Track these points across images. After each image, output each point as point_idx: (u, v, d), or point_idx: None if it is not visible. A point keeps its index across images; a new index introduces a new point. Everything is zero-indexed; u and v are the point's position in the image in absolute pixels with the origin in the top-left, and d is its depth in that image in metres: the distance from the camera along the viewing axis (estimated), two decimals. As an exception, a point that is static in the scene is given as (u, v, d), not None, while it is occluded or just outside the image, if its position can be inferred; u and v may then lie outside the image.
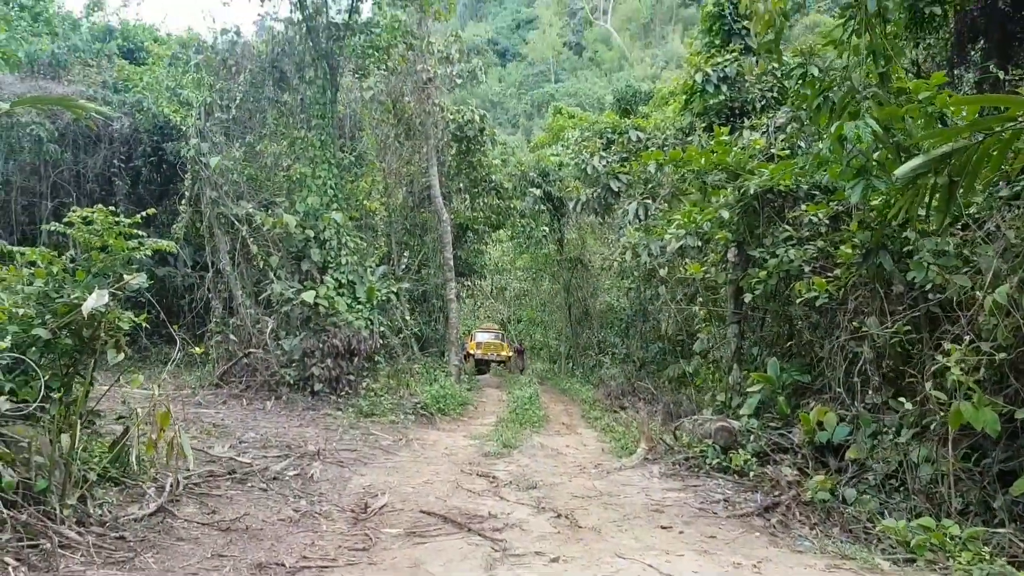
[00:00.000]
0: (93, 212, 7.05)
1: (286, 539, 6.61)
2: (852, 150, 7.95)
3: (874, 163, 7.89)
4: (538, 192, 27.14)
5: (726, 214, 10.57)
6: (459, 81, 21.91)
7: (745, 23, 16.38)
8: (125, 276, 7.08)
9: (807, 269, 9.85)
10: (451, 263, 23.96)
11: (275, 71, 18.67)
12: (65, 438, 6.01)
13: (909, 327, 8.03)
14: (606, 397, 23.62)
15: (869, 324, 8.44)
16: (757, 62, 16.10)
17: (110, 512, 6.37)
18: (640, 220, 16.13)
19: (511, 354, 36.19)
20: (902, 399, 7.86)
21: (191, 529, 6.54)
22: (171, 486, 7.12)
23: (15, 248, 7.06)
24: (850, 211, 10.10)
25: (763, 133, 12.37)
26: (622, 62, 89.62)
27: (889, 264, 8.35)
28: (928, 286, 7.94)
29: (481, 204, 27.40)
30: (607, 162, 17.63)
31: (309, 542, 6.58)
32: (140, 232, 7.37)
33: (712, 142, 11.62)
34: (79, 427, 5.96)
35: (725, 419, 9.97)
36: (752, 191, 10.28)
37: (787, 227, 10.46)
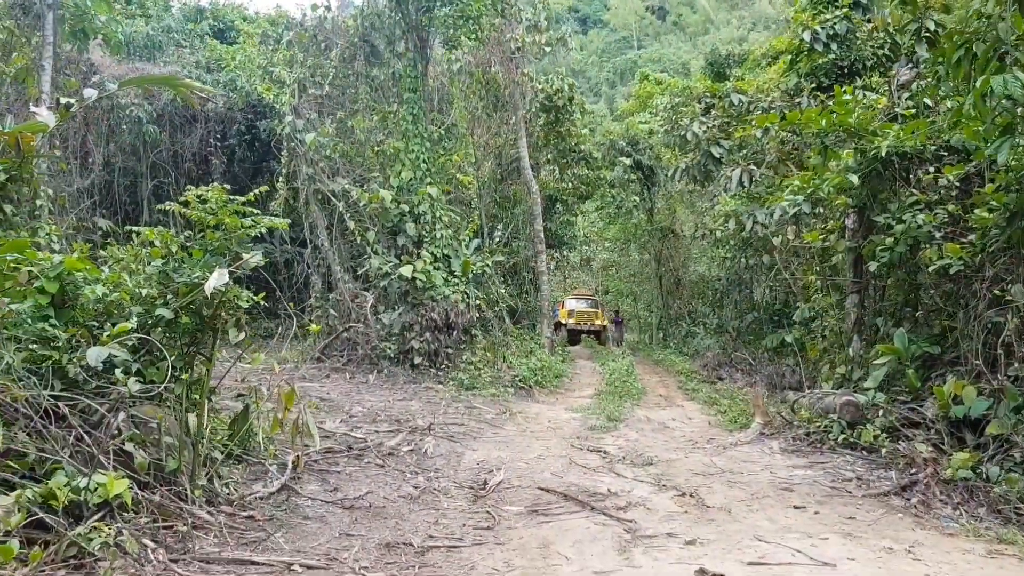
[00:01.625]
0: (208, 191, 7.03)
1: (409, 517, 6.52)
2: (998, 107, 7.22)
3: (1021, 120, 7.15)
4: (628, 161, 26.46)
5: (855, 178, 9.83)
6: (548, 49, 21.38)
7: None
8: (242, 254, 7.05)
9: (938, 235, 9.09)
10: (541, 235, 23.68)
11: (366, 46, 18.64)
12: (192, 418, 6.04)
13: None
14: (702, 368, 23.06)
15: (1014, 293, 7.71)
16: (869, 19, 15.01)
17: (236, 491, 6.40)
18: (744, 187, 15.37)
19: (606, 323, 33.64)
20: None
21: (316, 507, 6.53)
22: (292, 463, 7.13)
23: (133, 228, 7.12)
24: (982, 173, 9.30)
25: (882, 92, 11.43)
26: (707, 25, 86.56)
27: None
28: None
29: (569, 175, 26.90)
30: (707, 127, 16.85)
31: (433, 520, 6.47)
32: (254, 210, 7.33)
33: (830, 103, 10.84)
34: (206, 407, 5.97)
35: (850, 393, 9.38)
36: (883, 153, 9.48)
37: (913, 191, 9.67)
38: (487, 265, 18.11)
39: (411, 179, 17.38)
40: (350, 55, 18.90)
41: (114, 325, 5.84)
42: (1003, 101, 6.85)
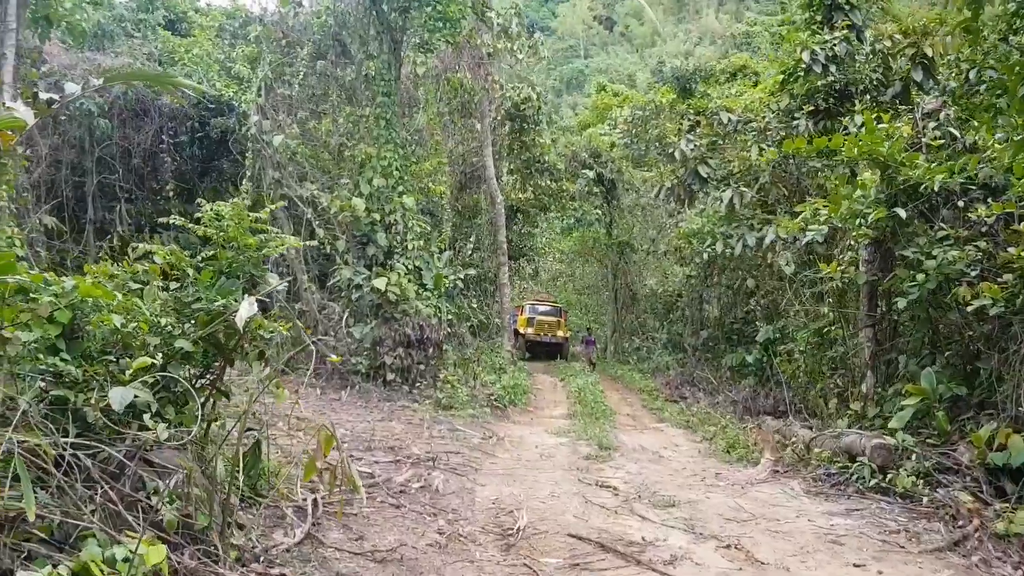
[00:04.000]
0: (224, 206, 6.32)
1: (445, 572, 5.96)
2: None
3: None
4: (591, 174, 26.24)
5: (902, 212, 9.63)
6: (520, 56, 20.95)
7: (852, -2, 15.31)
8: (258, 277, 6.36)
9: (973, 273, 8.99)
10: (504, 246, 23.25)
11: (336, 45, 17.83)
12: (220, 465, 5.34)
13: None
14: (664, 386, 22.95)
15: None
16: (861, 41, 15.05)
17: (258, 542, 5.72)
18: (735, 208, 15.21)
19: (569, 335, 30.93)
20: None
21: (346, 561, 5.90)
22: (312, 508, 6.47)
23: (142, 245, 6.32)
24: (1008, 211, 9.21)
25: (904, 120, 11.31)
26: (654, 37, 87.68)
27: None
28: None
29: (532, 185, 26.51)
30: (695, 146, 16.67)
31: (473, 576, 5.93)
32: (270, 227, 6.64)
33: (836, 127, 10.74)
34: (239, 450, 5.29)
35: (880, 435, 9.18)
36: (936, 187, 9.28)
37: (942, 226, 9.58)
38: (459, 279, 17.54)
39: (382, 186, 16.67)
40: (322, 54, 18.05)
41: (129, 359, 5.12)
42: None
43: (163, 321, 5.44)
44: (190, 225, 6.51)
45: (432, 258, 17.10)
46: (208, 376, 6.16)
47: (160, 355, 5.28)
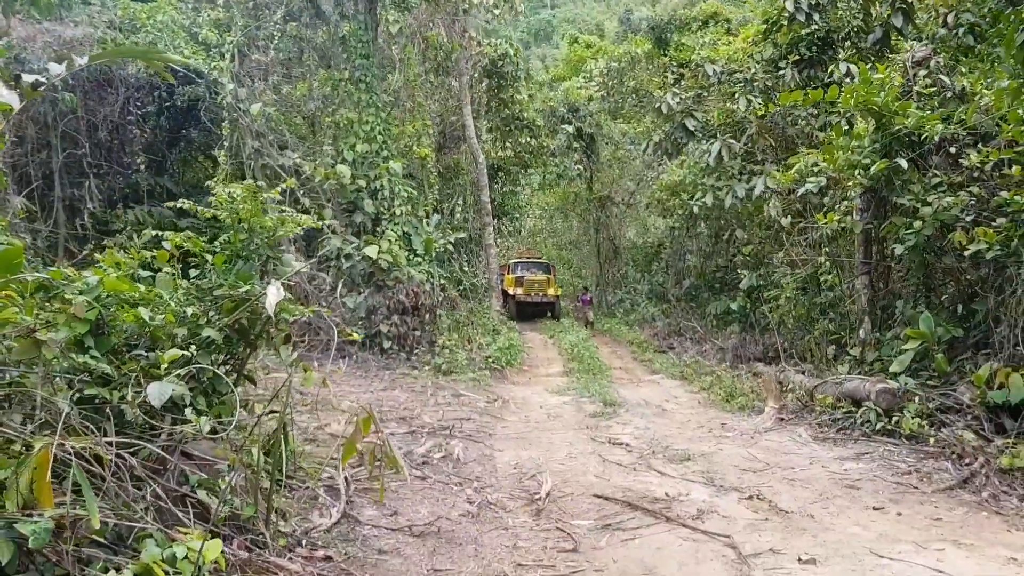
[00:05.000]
0: (236, 187, 6.15)
1: (484, 541, 6.01)
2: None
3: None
4: (570, 129, 26.04)
5: (904, 163, 9.69)
6: (496, 12, 20.53)
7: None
8: (275, 259, 6.25)
9: (968, 218, 9.13)
10: (488, 206, 23.09)
11: (310, 6, 17.31)
12: (257, 453, 5.30)
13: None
14: (652, 338, 23.17)
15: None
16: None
17: (299, 525, 5.73)
18: (723, 160, 15.20)
19: (559, 293, 29.64)
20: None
21: (384, 537, 5.92)
22: (344, 487, 6.47)
23: (155, 232, 6.14)
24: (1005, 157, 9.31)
25: (893, 68, 11.33)
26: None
27: (1083, 211, 7.67)
28: None
29: (512, 143, 26.23)
30: (681, 99, 16.56)
31: (510, 544, 5.99)
32: (284, 207, 6.50)
33: (844, 76, 10.70)
34: (279, 436, 5.24)
35: (883, 379, 9.38)
36: (936, 137, 9.35)
37: (935, 172, 9.68)
38: (449, 242, 17.41)
39: (367, 152, 16.40)
40: (292, 16, 17.53)
41: (159, 351, 5.02)
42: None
43: (189, 311, 5.33)
44: (198, 208, 6.34)
45: (420, 223, 16.93)
46: (232, 362, 6.09)
47: (189, 346, 5.20)
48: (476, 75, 23.51)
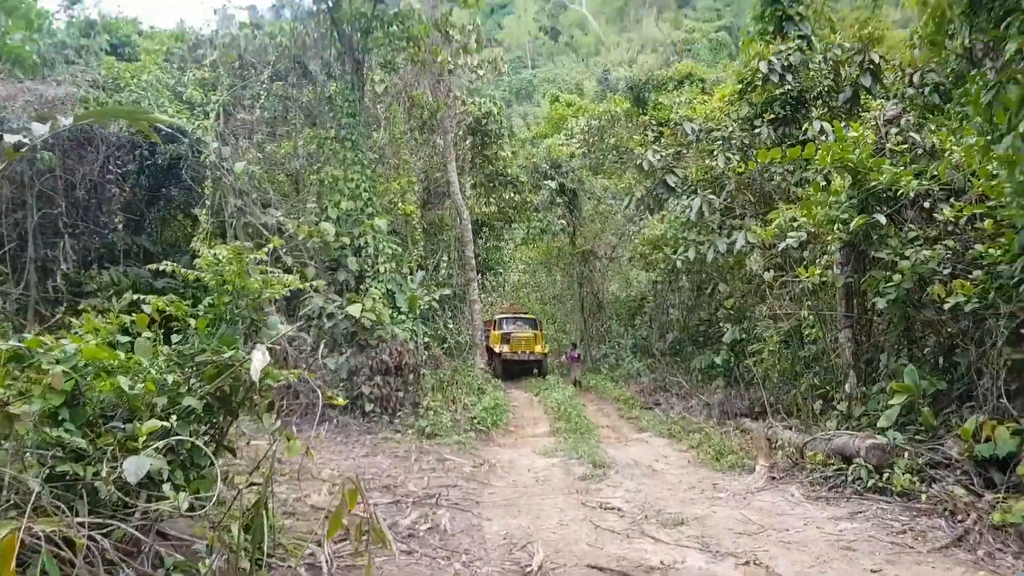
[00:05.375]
0: (222, 248, 6.04)
1: (474, 619, 5.77)
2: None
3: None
4: (553, 184, 26.31)
5: (882, 218, 9.85)
6: (481, 72, 20.86)
7: (800, 9, 15.71)
8: (260, 322, 6.11)
9: (945, 271, 9.23)
10: (472, 262, 23.08)
11: (297, 67, 17.48)
12: (237, 531, 5.07)
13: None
14: (638, 394, 23.00)
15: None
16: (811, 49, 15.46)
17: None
18: (703, 216, 15.36)
19: (547, 350, 28.81)
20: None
21: (372, 619, 5.66)
22: (327, 565, 6.21)
23: (135, 295, 5.99)
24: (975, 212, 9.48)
25: (867, 126, 11.62)
26: (598, 46, 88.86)
27: (1064, 268, 7.74)
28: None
29: (496, 198, 26.41)
30: (661, 156, 16.82)
31: (503, 623, 5.75)
32: (270, 267, 6.38)
33: (818, 134, 10.91)
34: (260, 510, 5.02)
35: (872, 435, 9.29)
36: (911, 193, 9.57)
37: (911, 226, 9.82)
38: (434, 299, 17.30)
39: (351, 209, 16.38)
40: (278, 76, 17.69)
41: (137, 422, 4.84)
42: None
43: (170, 379, 5.16)
44: (183, 271, 6.21)
45: (405, 280, 16.83)
46: (212, 432, 5.90)
47: (169, 416, 5.01)
48: (460, 133, 23.77)
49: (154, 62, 22.49)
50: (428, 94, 20.99)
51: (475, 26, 21.48)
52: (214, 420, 5.85)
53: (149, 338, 5.79)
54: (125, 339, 5.85)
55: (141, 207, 22.52)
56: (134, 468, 4.41)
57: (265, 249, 6.47)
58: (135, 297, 6.25)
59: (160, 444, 4.76)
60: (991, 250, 8.78)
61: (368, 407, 14.80)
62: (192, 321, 5.68)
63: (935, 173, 9.92)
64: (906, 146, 10.88)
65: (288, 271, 15.73)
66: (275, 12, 21.18)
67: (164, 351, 5.47)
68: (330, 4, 16.27)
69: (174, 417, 4.86)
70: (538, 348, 27.38)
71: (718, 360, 20.49)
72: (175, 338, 5.65)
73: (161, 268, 6.53)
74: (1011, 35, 7.75)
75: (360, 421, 14.57)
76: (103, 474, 4.48)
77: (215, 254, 6.02)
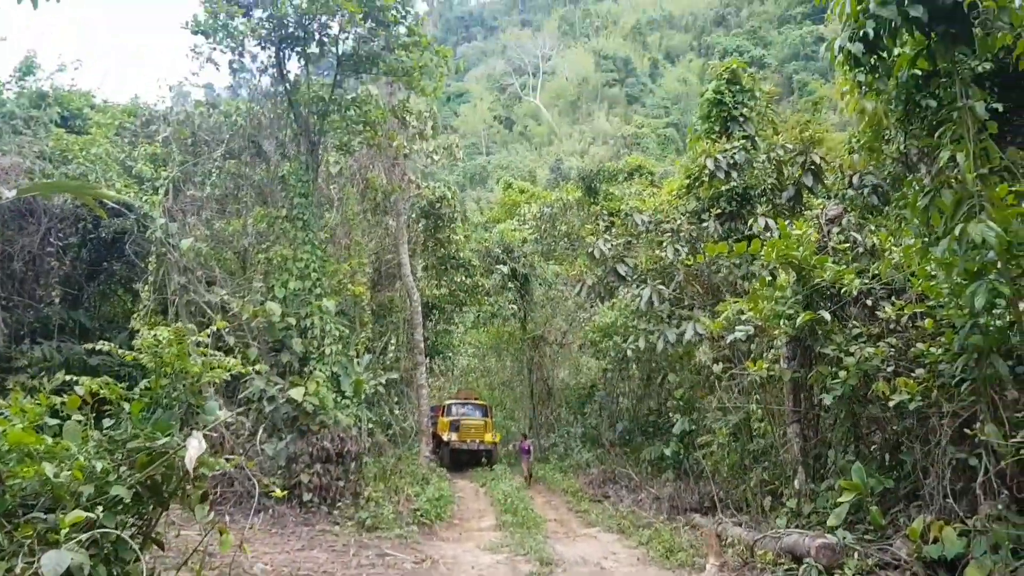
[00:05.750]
0: (164, 330, 5.80)
1: None
2: (968, 252, 7.63)
3: (995, 267, 7.60)
4: (505, 269, 26.52)
5: (827, 315, 10.09)
6: (436, 157, 21.19)
7: (744, 111, 16.51)
8: (198, 407, 5.84)
9: (889, 369, 9.42)
10: (421, 345, 22.83)
11: (251, 146, 17.48)
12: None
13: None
14: (587, 485, 22.63)
15: (988, 432, 7.94)
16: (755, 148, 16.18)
17: None
18: (653, 306, 15.57)
19: (498, 440, 27.98)
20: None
21: None
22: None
23: (67, 375, 5.68)
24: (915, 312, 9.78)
25: (811, 225, 12.08)
26: (551, 137, 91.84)
27: (1004, 369, 7.94)
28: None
29: (447, 281, 26.45)
30: (612, 245, 17.16)
31: None
32: (211, 351, 6.14)
33: (763, 229, 11.25)
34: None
35: (821, 534, 9.21)
36: (854, 292, 9.86)
37: (855, 323, 10.07)
38: (380, 383, 16.95)
39: (299, 289, 16.13)
40: (231, 154, 17.65)
41: (60, 512, 4.49)
42: (982, 247, 7.23)
43: (98, 466, 4.83)
44: (121, 352, 5.93)
45: (351, 363, 16.48)
46: (140, 524, 5.52)
47: (95, 506, 4.66)
48: (414, 215, 23.93)
49: (105, 136, 22.27)
50: (383, 177, 21.16)
51: (432, 113, 21.99)
52: (143, 510, 5.48)
53: (79, 421, 5.47)
54: (54, 421, 5.52)
55: (80, 281, 21.86)
56: (53, 564, 4.06)
57: (207, 331, 6.23)
58: (67, 377, 5.94)
59: (83, 537, 4.42)
60: (932, 349, 8.99)
61: (307, 496, 14.19)
62: (126, 405, 5.38)
63: (876, 272, 10.28)
64: (848, 245, 11.25)
65: (230, 352, 15.35)
66: (232, 92, 21.34)
67: (94, 436, 5.14)
68: (288, 86, 16.44)
69: (100, 507, 4.52)
70: (488, 437, 26.62)
71: (668, 452, 20.33)
72: (107, 422, 5.32)
73: (96, 347, 6.22)
74: (944, 143, 8.17)
75: (298, 511, 13.94)
76: (17, 570, 4.11)
77: (155, 335, 5.77)
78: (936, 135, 8.41)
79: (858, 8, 8.13)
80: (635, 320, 17.84)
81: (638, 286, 16.13)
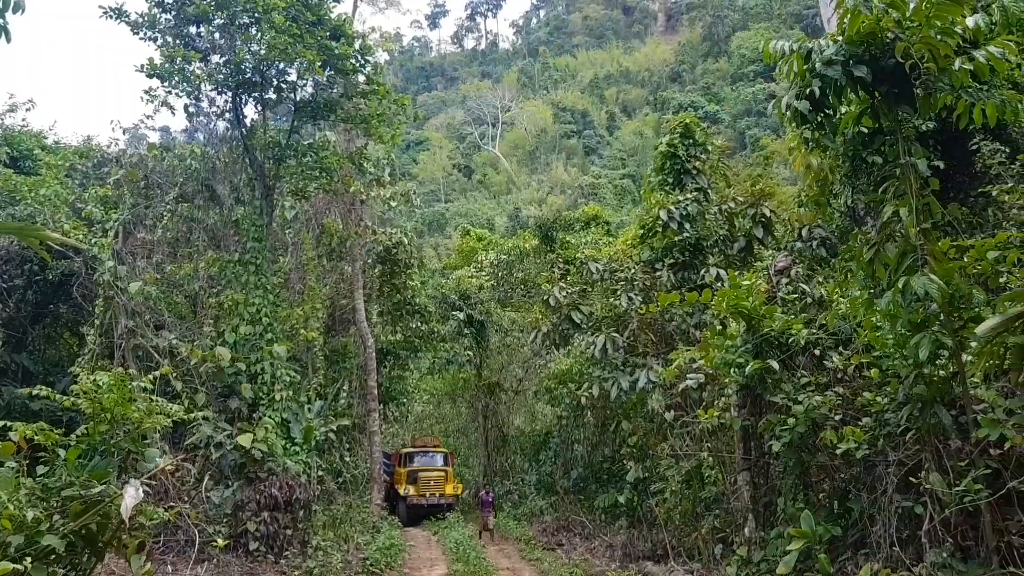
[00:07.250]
0: (104, 375, 5.67)
1: None
2: (911, 304, 7.90)
3: (938, 319, 7.89)
4: (461, 316, 26.53)
5: (775, 364, 10.31)
6: (393, 203, 21.29)
7: (697, 164, 17.02)
8: (137, 454, 5.70)
9: (836, 417, 9.62)
10: (375, 391, 22.59)
11: (205, 189, 17.35)
12: None
13: (980, 485, 7.75)
14: (541, 534, 22.39)
15: (932, 481, 8.12)
16: (709, 200, 16.66)
17: None
18: (607, 354, 15.74)
19: (459, 492, 26.72)
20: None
21: None
22: None
23: (2, 421, 5.50)
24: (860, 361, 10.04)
25: (760, 275, 12.44)
26: (510, 186, 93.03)
27: (948, 419, 8.16)
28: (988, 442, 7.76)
29: (403, 327, 26.32)
30: (567, 293, 17.39)
31: None
32: (156, 397, 6.01)
33: (715, 280, 11.50)
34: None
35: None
36: (802, 341, 10.12)
37: (803, 372, 10.29)
38: (331, 430, 16.68)
39: (250, 334, 15.90)
40: (184, 198, 17.49)
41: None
42: (926, 300, 7.49)
43: (30, 515, 4.67)
44: (58, 397, 5.78)
45: (302, 409, 16.21)
46: (71, 575, 5.31)
47: (24, 557, 4.49)
48: (370, 261, 23.88)
49: (55, 177, 21.91)
50: (339, 222, 21.13)
51: (390, 160, 22.13)
52: (76, 561, 5.29)
53: (12, 468, 5.30)
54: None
55: (25, 324, 21.27)
56: (-31, 623, 3.89)
57: (151, 376, 6.11)
58: (1, 423, 5.75)
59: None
60: (878, 398, 9.21)
61: (253, 545, 13.82)
62: (62, 451, 5.22)
63: (824, 323, 10.57)
64: (796, 296, 11.56)
65: (177, 397, 15.01)
66: (188, 135, 21.24)
67: (27, 484, 4.97)
68: (244, 131, 16.43)
69: (29, 559, 4.35)
70: (449, 489, 25.44)
71: (621, 499, 20.27)
72: (41, 469, 5.15)
73: (35, 392, 6.05)
74: (887, 199, 8.49)
75: (244, 560, 13.55)
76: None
77: (95, 380, 5.64)
78: (880, 190, 8.74)
79: (804, 67, 8.45)
80: (590, 367, 17.99)
81: (593, 334, 16.32)
